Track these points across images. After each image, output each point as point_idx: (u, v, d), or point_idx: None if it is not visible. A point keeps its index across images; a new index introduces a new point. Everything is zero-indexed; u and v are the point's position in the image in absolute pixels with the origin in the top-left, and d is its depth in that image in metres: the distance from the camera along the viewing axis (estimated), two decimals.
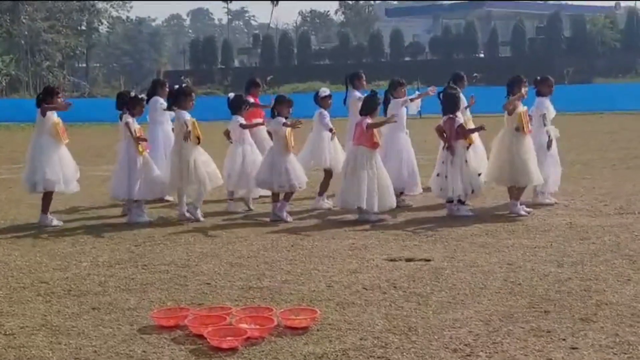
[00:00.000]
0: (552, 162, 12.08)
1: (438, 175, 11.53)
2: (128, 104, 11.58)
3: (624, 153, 19.37)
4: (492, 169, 11.68)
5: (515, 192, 11.48)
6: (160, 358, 5.85)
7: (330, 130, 12.57)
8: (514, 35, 79.39)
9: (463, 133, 11.40)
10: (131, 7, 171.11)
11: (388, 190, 11.21)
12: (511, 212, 11.37)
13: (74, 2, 78.76)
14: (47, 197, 11.40)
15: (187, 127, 11.16)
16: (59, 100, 11.59)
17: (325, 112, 12.58)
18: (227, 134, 12.31)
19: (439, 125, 11.67)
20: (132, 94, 11.96)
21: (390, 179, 11.75)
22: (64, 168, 11.44)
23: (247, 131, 12.24)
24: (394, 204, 11.37)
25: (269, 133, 11.98)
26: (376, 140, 11.12)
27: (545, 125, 11.93)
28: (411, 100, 12.59)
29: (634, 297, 7.06)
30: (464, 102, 12.68)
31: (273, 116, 11.57)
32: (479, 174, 11.58)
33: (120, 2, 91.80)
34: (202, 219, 11.43)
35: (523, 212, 11.30)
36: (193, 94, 11.74)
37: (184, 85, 12.71)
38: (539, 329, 6.24)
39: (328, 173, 12.66)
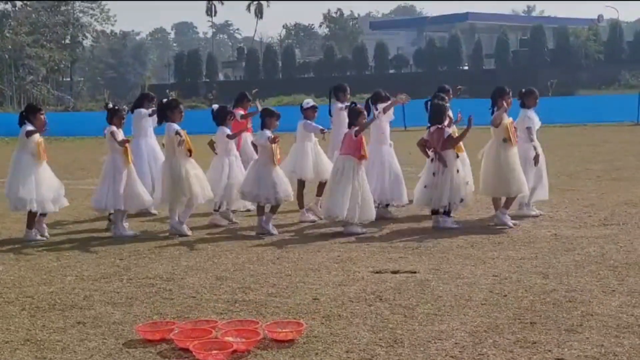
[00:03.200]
0: (538, 174, 12.13)
1: (426, 186, 11.53)
2: (107, 114, 11.57)
3: (607, 164, 19.45)
4: (481, 181, 11.73)
5: (502, 202, 11.50)
6: None
7: (322, 131, 12.61)
8: (497, 48, 79.90)
9: (452, 144, 11.44)
10: (115, 21, 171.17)
11: (369, 202, 11.24)
12: (498, 222, 11.38)
13: (58, 16, 78.73)
14: (32, 213, 11.33)
15: (180, 136, 11.15)
16: (41, 117, 11.51)
17: (310, 122, 12.62)
18: (211, 145, 12.30)
19: (422, 139, 11.70)
20: (110, 105, 11.93)
21: (374, 190, 11.76)
22: (40, 188, 11.30)
23: (232, 143, 12.22)
24: (374, 216, 11.38)
25: (254, 145, 11.98)
26: (364, 153, 11.14)
27: (532, 140, 11.98)
28: (384, 110, 12.56)
29: (619, 308, 7.09)
30: (450, 116, 12.71)
31: (262, 128, 11.58)
32: (467, 182, 11.65)
33: (105, 16, 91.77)
34: (189, 233, 11.40)
35: (510, 223, 11.32)
36: (181, 106, 11.73)
37: (170, 98, 12.69)
38: (524, 340, 6.25)
39: (302, 183, 12.68)
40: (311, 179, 12.77)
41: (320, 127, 12.64)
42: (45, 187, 11.38)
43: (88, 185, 16.55)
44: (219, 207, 12.36)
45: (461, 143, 11.81)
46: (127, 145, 11.49)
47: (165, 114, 11.53)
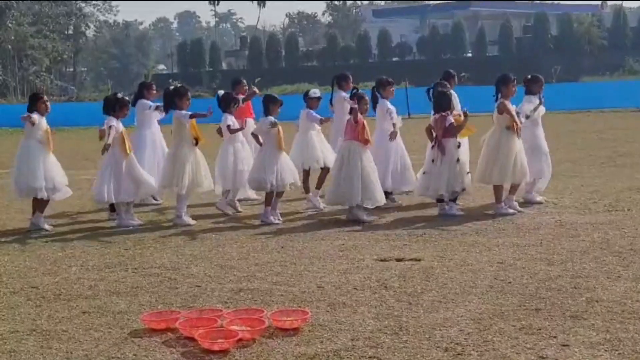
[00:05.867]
0: (545, 160, 12.12)
1: (425, 173, 11.55)
2: (114, 106, 11.50)
3: (611, 151, 19.42)
4: (481, 168, 11.69)
5: (500, 191, 11.47)
6: None
7: (321, 121, 12.61)
8: (501, 35, 79.62)
9: (454, 132, 11.41)
10: (118, 11, 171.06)
11: (376, 187, 11.22)
12: (498, 212, 11.35)
13: (61, 7, 78.69)
14: (39, 200, 11.34)
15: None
16: (46, 104, 11.50)
17: (312, 111, 12.62)
18: (219, 131, 12.29)
19: (429, 125, 11.69)
20: (119, 95, 11.89)
21: (380, 178, 11.75)
22: (49, 175, 11.31)
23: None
24: (382, 201, 11.36)
25: (254, 136, 11.93)
26: (367, 137, 11.13)
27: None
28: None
29: (624, 294, 7.09)
30: (456, 102, 12.70)
31: (266, 114, 11.55)
32: (468, 172, 11.60)
33: (107, 6, 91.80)
34: (192, 222, 11.39)
35: (511, 211, 11.31)
36: (188, 94, 11.69)
37: (178, 85, 12.64)
38: (529, 326, 6.25)
39: (306, 173, 12.67)
40: (318, 168, 12.76)
41: (320, 117, 12.62)
42: (56, 174, 11.39)
43: (92, 176, 16.53)
44: (228, 195, 12.29)
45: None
46: (124, 136, 11.41)
47: (173, 101, 11.53)
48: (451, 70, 13.58)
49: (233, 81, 14.33)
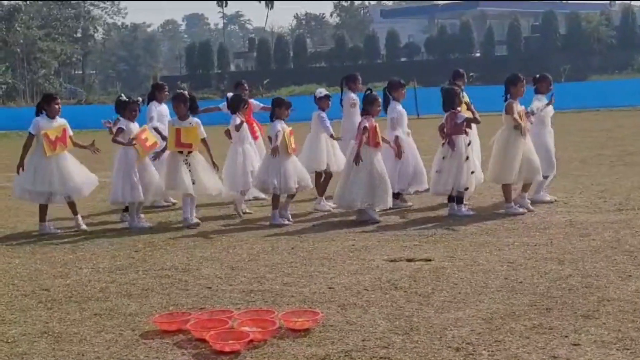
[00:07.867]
0: (549, 159, 12.12)
1: (437, 171, 11.54)
2: (119, 107, 11.63)
3: (620, 149, 19.39)
4: (491, 168, 11.69)
5: (508, 190, 11.47)
6: None
7: (331, 136, 12.63)
8: (509, 34, 79.67)
9: (468, 125, 11.41)
10: (126, 13, 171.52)
11: (386, 190, 11.20)
12: (508, 212, 11.33)
13: (69, 10, 78.94)
14: (42, 206, 11.35)
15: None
16: (55, 106, 11.57)
17: (324, 115, 12.61)
18: (228, 133, 12.30)
19: (442, 124, 11.69)
20: (123, 97, 11.94)
21: (391, 180, 11.75)
22: (48, 179, 11.31)
23: (246, 130, 12.20)
24: (389, 204, 11.35)
25: (269, 138, 11.97)
26: (378, 140, 11.13)
27: (533, 114, 11.87)
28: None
29: (635, 293, 7.07)
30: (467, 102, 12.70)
31: (272, 119, 11.56)
32: (472, 172, 11.53)
33: (115, 9, 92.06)
34: (195, 220, 11.38)
35: (521, 210, 11.29)
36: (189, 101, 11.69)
37: (184, 90, 12.69)
38: (541, 326, 6.24)
39: (327, 174, 12.69)
40: (324, 170, 12.75)
41: (331, 131, 12.62)
42: (59, 178, 11.38)
43: (102, 178, 16.55)
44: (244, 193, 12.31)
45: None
46: (139, 137, 11.48)
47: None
48: (460, 70, 13.57)
49: (235, 85, 14.36)
